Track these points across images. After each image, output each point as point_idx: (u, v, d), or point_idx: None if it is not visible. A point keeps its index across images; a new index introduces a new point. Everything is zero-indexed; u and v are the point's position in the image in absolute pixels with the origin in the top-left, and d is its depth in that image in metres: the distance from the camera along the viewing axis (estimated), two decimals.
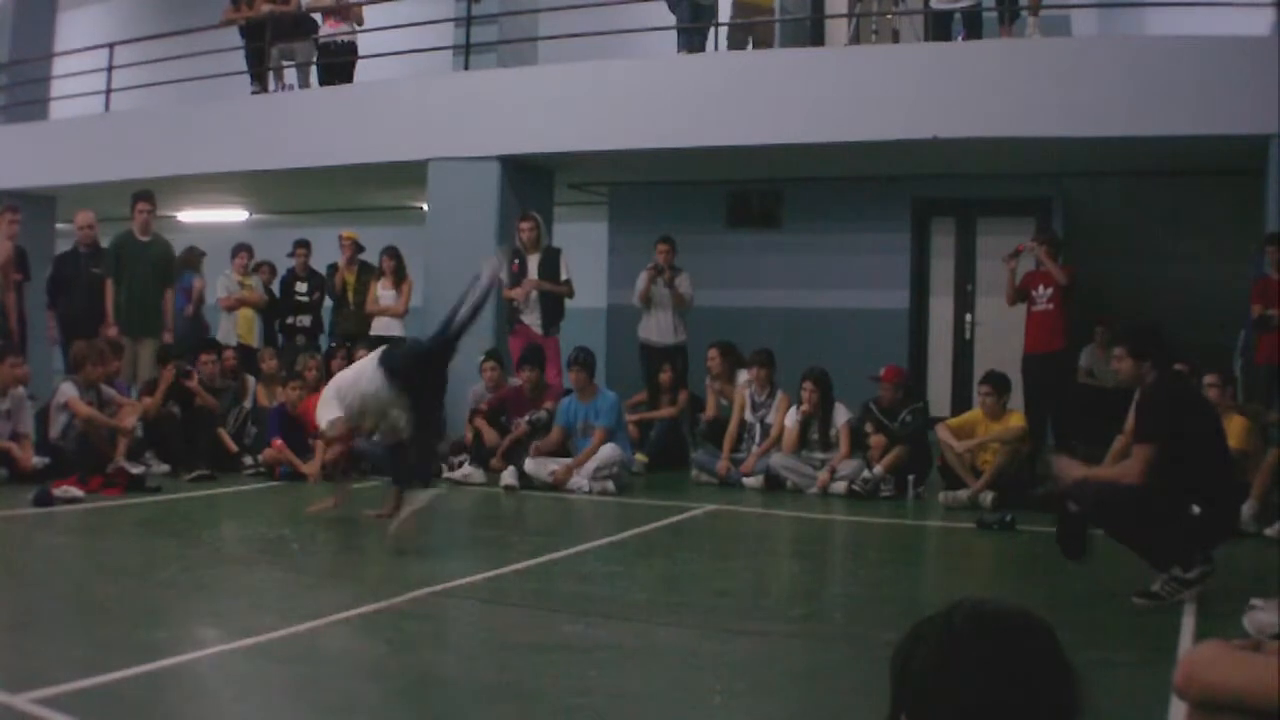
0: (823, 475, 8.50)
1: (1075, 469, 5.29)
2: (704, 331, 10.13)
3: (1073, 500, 5.09)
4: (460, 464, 8.98)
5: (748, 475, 8.79)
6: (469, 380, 9.15)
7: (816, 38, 11.45)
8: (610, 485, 8.40)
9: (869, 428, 8.57)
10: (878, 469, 8.36)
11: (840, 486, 8.42)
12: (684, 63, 10.43)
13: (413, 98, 11.06)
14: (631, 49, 11.13)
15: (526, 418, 8.98)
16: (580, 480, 8.40)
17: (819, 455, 8.70)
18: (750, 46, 10.53)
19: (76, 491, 7.36)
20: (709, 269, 10.89)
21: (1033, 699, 1.34)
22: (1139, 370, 5.17)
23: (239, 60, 12.15)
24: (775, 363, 9.17)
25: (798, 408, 8.78)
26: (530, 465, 8.60)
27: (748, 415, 9.10)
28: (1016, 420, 8.21)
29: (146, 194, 10.23)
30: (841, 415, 8.73)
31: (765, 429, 8.97)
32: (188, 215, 15.03)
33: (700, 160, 10.64)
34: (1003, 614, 1.41)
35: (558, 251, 10.03)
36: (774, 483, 8.69)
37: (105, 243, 10.16)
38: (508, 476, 8.54)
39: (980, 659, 1.36)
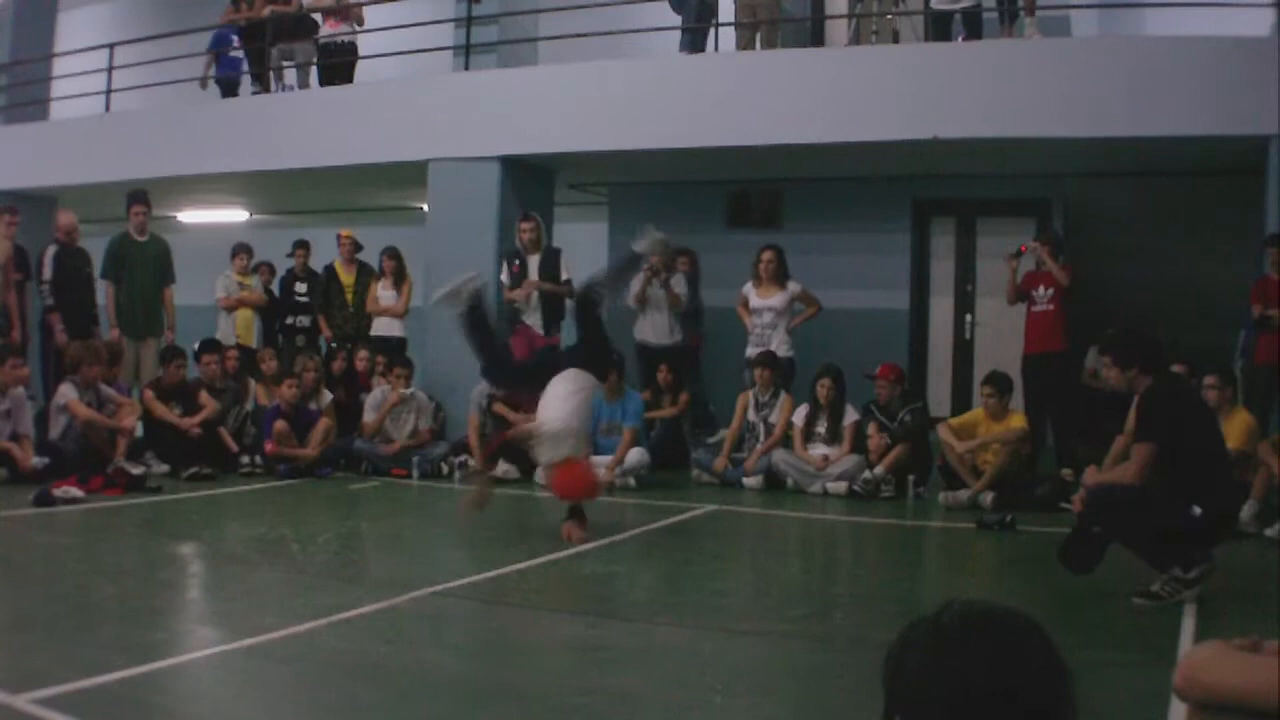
0: (819, 460, 8.55)
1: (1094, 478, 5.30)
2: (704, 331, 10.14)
3: (1093, 520, 5.08)
4: (464, 462, 9.17)
5: (749, 475, 8.79)
6: (475, 379, 9.13)
7: (816, 38, 11.44)
8: (631, 481, 8.66)
9: (871, 428, 8.57)
10: (879, 469, 8.37)
11: (841, 487, 8.42)
12: (684, 63, 10.41)
13: (413, 98, 11.04)
14: (632, 49, 11.11)
15: None
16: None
17: (822, 449, 8.70)
18: (758, 45, 10.47)
19: (77, 492, 7.37)
20: (709, 269, 10.88)
21: (1024, 698, 1.34)
22: (1126, 378, 5.19)
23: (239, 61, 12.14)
24: (778, 364, 9.17)
25: (807, 406, 8.80)
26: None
27: (751, 415, 9.11)
28: (1018, 421, 8.21)
29: (141, 195, 10.25)
30: (850, 416, 8.75)
31: (769, 429, 8.97)
32: (188, 215, 15.02)
33: (700, 160, 10.63)
34: (992, 614, 1.41)
35: (558, 252, 10.04)
36: (774, 481, 8.70)
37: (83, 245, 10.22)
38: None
39: (971, 659, 1.36)
